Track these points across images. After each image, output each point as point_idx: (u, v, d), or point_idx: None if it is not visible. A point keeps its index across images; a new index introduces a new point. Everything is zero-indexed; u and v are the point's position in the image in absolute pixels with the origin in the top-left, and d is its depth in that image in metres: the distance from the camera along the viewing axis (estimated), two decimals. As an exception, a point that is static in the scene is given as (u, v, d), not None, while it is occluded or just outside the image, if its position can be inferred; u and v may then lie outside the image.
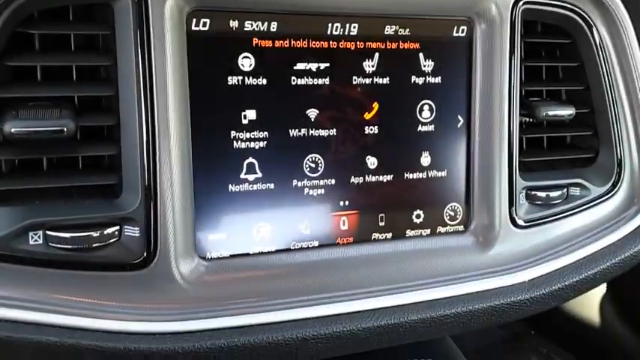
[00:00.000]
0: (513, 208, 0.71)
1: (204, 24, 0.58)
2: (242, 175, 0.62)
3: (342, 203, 0.66)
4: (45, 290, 0.54)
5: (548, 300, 0.71)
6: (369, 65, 0.65)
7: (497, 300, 0.68)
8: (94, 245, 0.55)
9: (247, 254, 0.63)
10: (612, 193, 0.76)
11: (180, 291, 0.58)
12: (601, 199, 0.76)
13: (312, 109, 0.63)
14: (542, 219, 0.73)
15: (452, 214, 0.71)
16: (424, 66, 0.67)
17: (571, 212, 0.74)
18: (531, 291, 0.70)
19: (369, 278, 0.66)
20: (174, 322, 0.57)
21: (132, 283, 0.57)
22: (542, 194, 0.73)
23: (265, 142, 0.62)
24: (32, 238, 0.54)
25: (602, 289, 1.53)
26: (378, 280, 0.66)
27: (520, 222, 0.72)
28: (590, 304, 1.54)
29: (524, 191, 0.72)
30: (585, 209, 0.75)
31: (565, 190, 0.74)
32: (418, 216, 0.70)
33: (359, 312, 0.64)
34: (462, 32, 0.68)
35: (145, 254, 0.57)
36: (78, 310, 0.55)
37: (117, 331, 0.55)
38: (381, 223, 0.68)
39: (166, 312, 0.57)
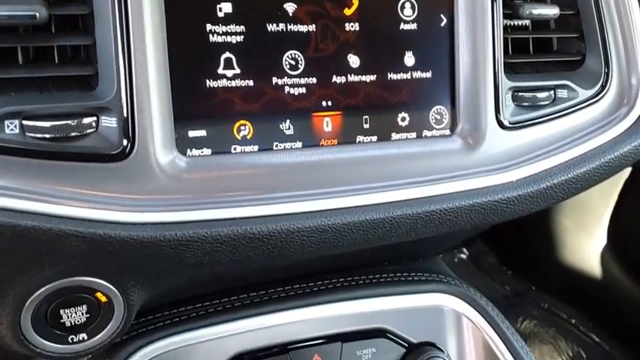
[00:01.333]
0: (499, 110, 0.70)
1: None
2: (220, 71, 0.61)
3: (324, 103, 0.66)
4: (23, 179, 0.54)
5: (536, 199, 0.70)
6: (346, -41, 0.64)
7: (484, 197, 0.68)
8: (72, 135, 0.55)
9: (229, 152, 0.62)
10: (601, 95, 0.75)
11: (160, 185, 0.58)
12: (589, 102, 0.75)
13: (290, 3, 0.63)
14: (529, 121, 0.72)
15: (437, 117, 0.70)
16: (403, -38, 0.67)
17: (559, 114, 0.73)
18: (519, 189, 0.69)
19: (354, 177, 0.65)
20: (156, 213, 0.57)
21: (111, 175, 0.56)
22: (529, 95, 0.72)
23: (242, 37, 0.61)
24: (8, 127, 0.54)
25: (602, 240, 1.52)
26: (364, 179, 0.65)
27: (506, 123, 0.71)
28: (591, 257, 1.53)
29: (511, 92, 0.71)
30: (573, 112, 0.74)
31: (552, 92, 0.73)
32: (403, 119, 0.69)
33: (344, 208, 0.63)
34: None
35: (123, 145, 0.56)
36: (56, 199, 0.54)
37: (96, 219, 0.55)
38: (366, 126, 0.67)
39: (147, 203, 0.57)
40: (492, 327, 0.79)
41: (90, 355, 0.68)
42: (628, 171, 1.43)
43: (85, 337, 0.59)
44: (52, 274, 0.56)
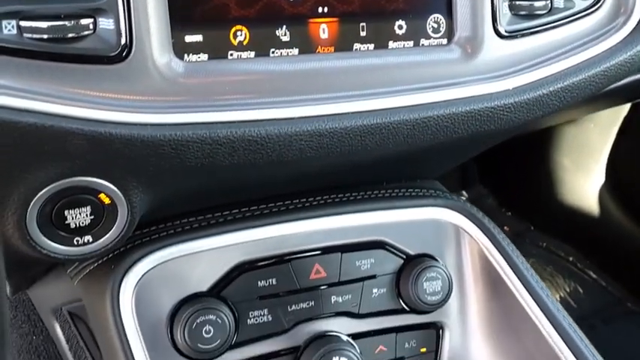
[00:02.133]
0: (497, 19, 0.70)
1: None
2: (215, -25, 0.61)
3: (320, 10, 0.65)
4: (23, 79, 0.54)
5: (532, 107, 0.71)
6: None
7: (481, 104, 0.68)
8: (69, 36, 0.55)
9: (225, 58, 0.62)
10: (598, 5, 0.75)
11: (159, 87, 0.58)
12: (586, 12, 0.74)
13: None
14: (526, 30, 0.72)
15: (435, 26, 0.70)
16: None
17: (555, 24, 0.73)
18: (515, 96, 0.70)
19: (351, 84, 0.66)
20: (155, 115, 0.57)
21: (110, 77, 0.57)
22: (526, 4, 0.71)
23: (237, -61, 0.61)
24: (6, 27, 0.54)
25: (601, 178, 1.53)
26: (361, 86, 0.66)
27: (503, 32, 0.71)
28: (589, 195, 1.54)
29: (507, 1, 0.71)
30: (570, 21, 0.74)
31: (548, 1, 0.73)
32: (400, 27, 0.69)
33: (341, 113, 0.64)
34: None
35: (121, 47, 0.57)
36: (57, 98, 0.55)
37: (97, 119, 0.55)
38: (363, 33, 0.67)
39: (146, 105, 0.58)
40: (489, 239, 0.80)
41: (95, 265, 0.70)
42: (626, 108, 1.43)
43: (90, 240, 0.61)
44: (54, 174, 0.57)
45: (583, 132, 1.53)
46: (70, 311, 0.78)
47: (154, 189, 0.62)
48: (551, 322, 0.75)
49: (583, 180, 1.56)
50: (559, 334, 0.74)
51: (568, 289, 1.57)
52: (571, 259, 1.59)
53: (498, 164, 1.64)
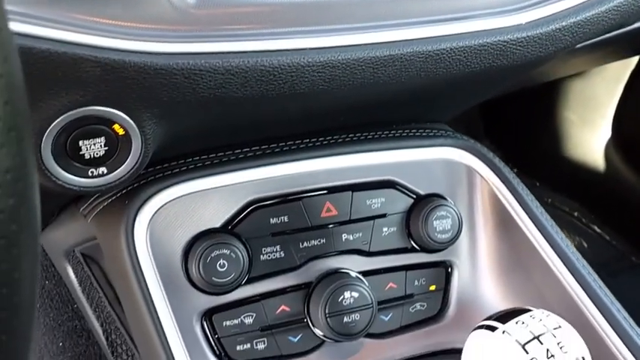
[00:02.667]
0: (509, -49, 0.69)
1: None
2: None
3: (332, -60, 0.64)
4: (33, 6, 0.54)
5: (544, 41, 0.70)
6: None
7: (494, 37, 0.68)
8: (79, -39, 0.54)
9: (237, -10, 0.62)
10: (612, -61, 0.74)
11: (170, 18, 0.58)
12: (600, -55, 0.73)
13: None
14: (540, -37, 0.71)
15: (447, -42, 0.69)
16: None
17: (569, -42, 0.72)
18: (528, 31, 0.69)
19: (364, 16, 0.65)
20: (167, 44, 0.57)
21: (121, 5, 0.56)
22: (539, -64, 0.70)
23: None
24: (16, -47, 0.53)
25: (607, 133, 1.53)
26: (374, 18, 0.65)
27: (517, -35, 0.70)
28: (594, 150, 1.54)
29: None
30: (583, -44, 0.73)
31: None
32: (412, -41, 0.68)
33: (354, 45, 0.63)
34: None
35: (132, -24, 0.56)
36: (69, 26, 0.54)
37: (110, 47, 0.55)
38: (374, -33, 0.66)
39: (158, 34, 0.57)
40: (501, 179, 0.80)
41: (109, 201, 0.71)
42: (634, 62, 1.42)
43: (105, 171, 0.61)
44: (68, 102, 0.56)
45: (590, 86, 1.52)
46: (83, 252, 0.79)
47: (168, 122, 0.62)
48: (561, 258, 0.76)
49: (589, 135, 1.56)
50: (569, 270, 0.75)
51: (573, 244, 1.58)
52: (576, 214, 1.59)
53: (504, 119, 1.64)
